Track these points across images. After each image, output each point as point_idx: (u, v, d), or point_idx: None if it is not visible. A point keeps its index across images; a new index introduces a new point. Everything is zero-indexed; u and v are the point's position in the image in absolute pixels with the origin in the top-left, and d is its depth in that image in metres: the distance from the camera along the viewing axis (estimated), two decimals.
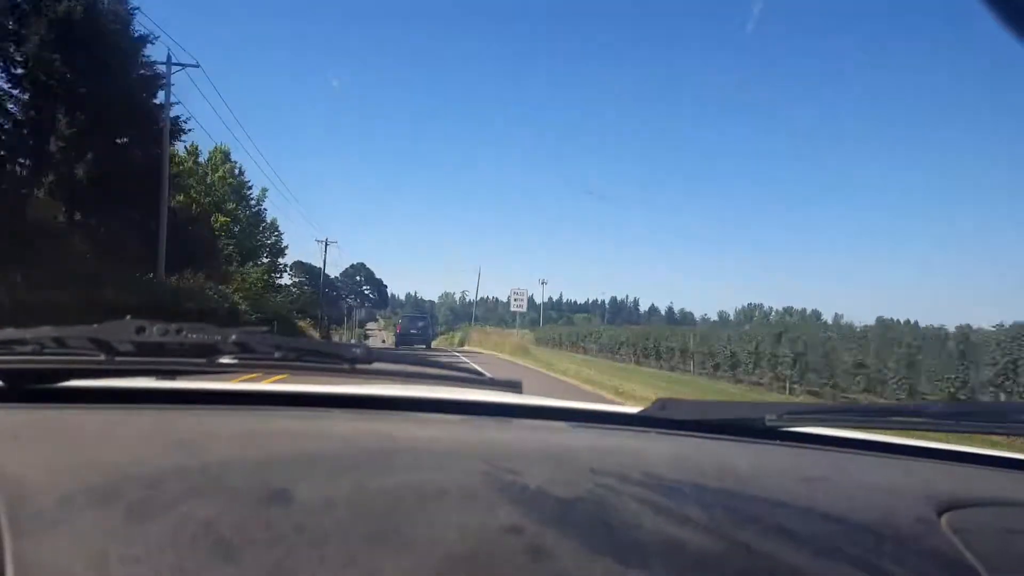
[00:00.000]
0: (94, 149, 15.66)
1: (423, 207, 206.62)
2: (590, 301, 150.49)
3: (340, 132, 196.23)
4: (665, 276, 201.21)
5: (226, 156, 36.61)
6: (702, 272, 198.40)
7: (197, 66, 19.75)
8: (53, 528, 0.50)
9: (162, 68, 19.26)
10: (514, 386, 0.97)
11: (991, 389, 11.11)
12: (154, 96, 19.52)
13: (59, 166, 15.43)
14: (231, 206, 35.61)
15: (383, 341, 63.44)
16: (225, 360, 0.81)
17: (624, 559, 0.52)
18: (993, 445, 1.12)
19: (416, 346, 32.03)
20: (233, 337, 0.80)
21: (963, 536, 0.63)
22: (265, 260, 39.98)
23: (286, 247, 41.69)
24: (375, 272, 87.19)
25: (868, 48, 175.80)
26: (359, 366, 0.84)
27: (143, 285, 12.65)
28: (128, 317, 0.80)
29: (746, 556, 0.55)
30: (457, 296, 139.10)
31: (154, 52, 19.32)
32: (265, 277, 36.77)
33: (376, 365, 0.86)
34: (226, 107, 66.41)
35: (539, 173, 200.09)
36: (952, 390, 11.70)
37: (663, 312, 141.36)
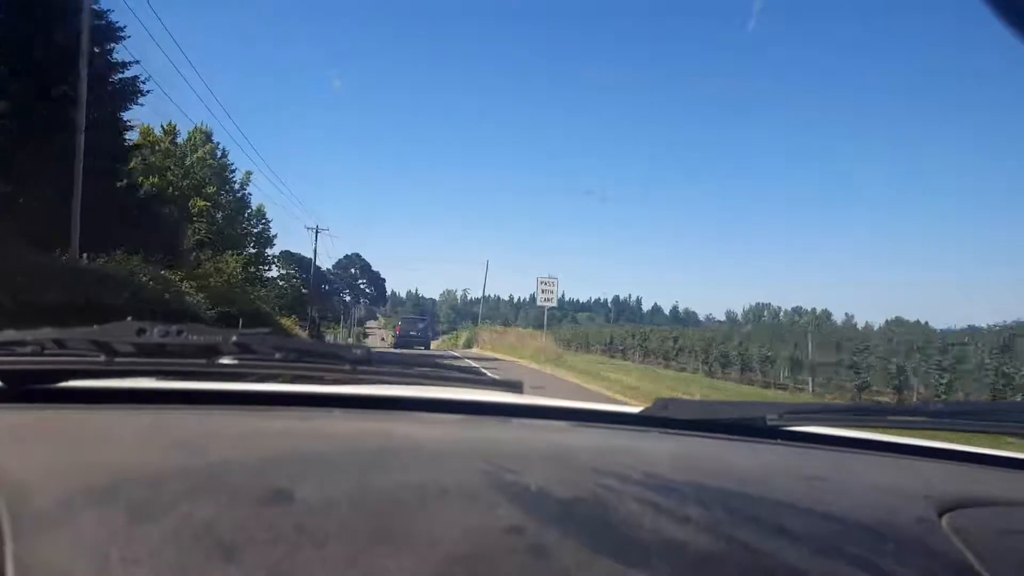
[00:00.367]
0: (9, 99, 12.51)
1: (423, 203, 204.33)
2: (592, 300, 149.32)
3: (339, 126, 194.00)
4: (668, 275, 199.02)
5: (207, 136, 33.53)
6: (707, 271, 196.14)
7: None
8: (54, 528, 0.50)
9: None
10: (515, 386, 0.99)
11: None
12: (107, 50, 16.39)
13: None
14: (211, 190, 32.48)
15: (382, 340, 60.74)
16: (225, 361, 0.81)
17: (625, 558, 0.52)
18: (993, 445, 1.07)
19: (415, 348, 30.96)
20: (234, 338, 0.80)
21: (963, 536, 0.63)
22: (252, 250, 36.90)
23: (274, 236, 38.57)
24: (372, 264, 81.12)
25: (871, 46, 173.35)
26: (359, 367, 0.85)
27: (43, 266, 9.65)
28: (129, 319, 0.82)
29: (747, 555, 0.56)
30: (459, 294, 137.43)
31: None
32: (249, 268, 33.64)
33: (376, 366, 0.87)
34: (203, 83, 62.55)
35: (541, 171, 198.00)
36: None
37: (667, 312, 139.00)
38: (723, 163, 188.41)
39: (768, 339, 19.86)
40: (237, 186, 35.12)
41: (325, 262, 64.05)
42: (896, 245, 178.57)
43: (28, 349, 0.79)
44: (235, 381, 0.99)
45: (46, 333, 0.79)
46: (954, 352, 12.89)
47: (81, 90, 12.37)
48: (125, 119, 17.85)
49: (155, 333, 0.78)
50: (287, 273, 47.95)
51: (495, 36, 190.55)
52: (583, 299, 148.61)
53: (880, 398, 13.97)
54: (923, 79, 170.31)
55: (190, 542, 0.49)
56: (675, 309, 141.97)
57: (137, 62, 17.19)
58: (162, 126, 32.80)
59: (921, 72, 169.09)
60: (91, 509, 0.52)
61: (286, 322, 30.60)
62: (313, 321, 41.09)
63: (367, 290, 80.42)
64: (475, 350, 34.58)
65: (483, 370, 1.40)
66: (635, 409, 1.03)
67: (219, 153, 34.01)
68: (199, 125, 33.44)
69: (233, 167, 34.72)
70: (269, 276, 40.69)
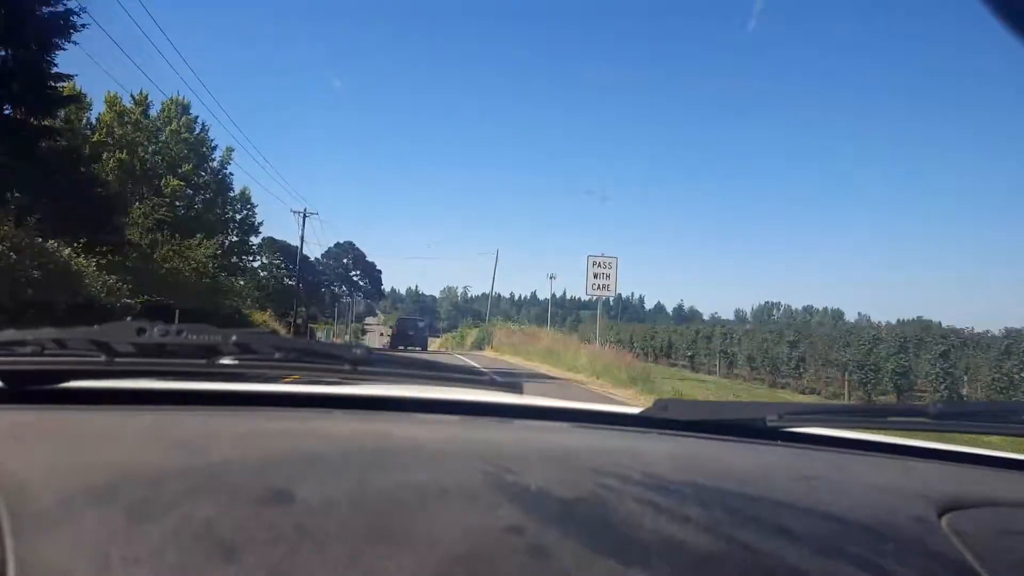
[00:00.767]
0: None
1: (422, 202, 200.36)
2: (594, 298, 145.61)
3: (338, 125, 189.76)
4: (670, 274, 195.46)
5: (184, 108, 29.66)
6: (711, 269, 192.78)
7: None
8: (54, 528, 0.50)
9: None
10: (515, 387, 0.99)
11: None
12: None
13: None
14: (187, 167, 28.59)
15: (381, 335, 57.07)
16: (225, 361, 0.81)
17: (625, 559, 0.53)
18: (993, 445, 1.09)
19: (411, 349, 28.91)
20: (234, 338, 0.81)
21: (963, 537, 0.63)
22: (234, 238, 33.03)
23: (260, 224, 34.71)
24: (366, 254, 69.48)
25: (875, 43, 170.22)
26: (360, 367, 0.85)
27: None
28: (128, 319, 0.81)
29: (747, 556, 0.56)
30: (459, 290, 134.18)
31: None
32: (231, 258, 29.79)
33: (377, 366, 0.87)
34: (175, 51, 58.08)
35: (542, 168, 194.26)
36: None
37: (669, 311, 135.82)
38: (727, 161, 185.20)
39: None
40: (217, 164, 31.23)
41: (315, 251, 58.24)
42: (903, 244, 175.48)
43: (28, 349, 0.78)
44: (235, 381, 1.00)
45: (46, 333, 0.79)
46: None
47: None
48: (54, 64, 13.87)
49: (155, 333, 0.78)
50: (270, 263, 43.02)
51: (495, 36, 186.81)
52: (584, 298, 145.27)
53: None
54: (923, 78, 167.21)
55: (190, 542, 0.49)
56: (680, 307, 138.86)
57: None
58: (132, 95, 28.90)
59: (921, 71, 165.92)
60: (91, 509, 0.52)
61: (259, 317, 25.88)
62: (298, 316, 36.79)
63: (361, 283, 69.43)
64: (489, 353, 29.16)
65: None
66: (635, 410, 1.03)
67: (197, 128, 30.16)
68: (175, 96, 29.58)
69: (213, 143, 30.85)
70: (251, 266, 36.55)
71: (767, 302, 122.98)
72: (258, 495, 0.56)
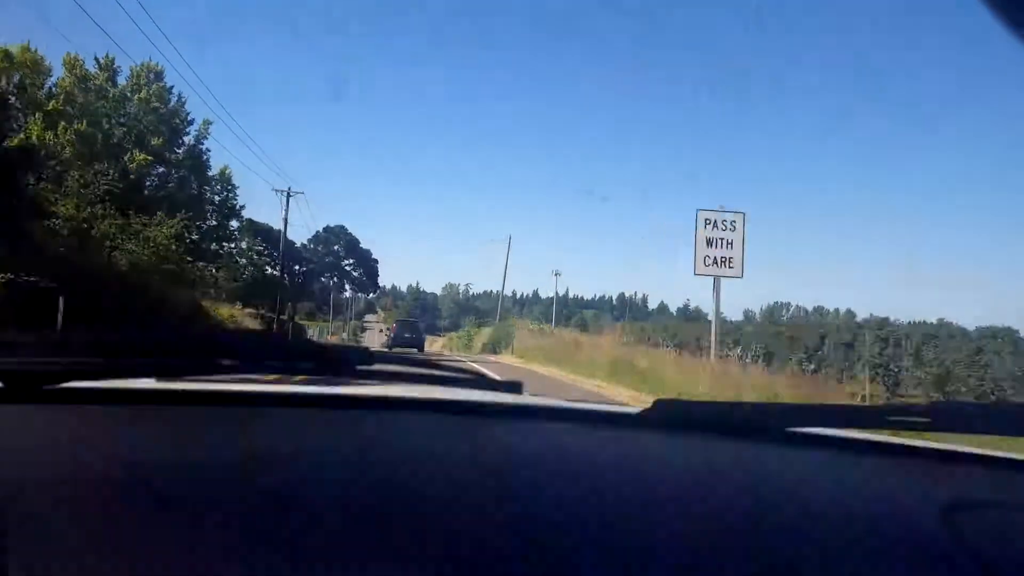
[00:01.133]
0: None
1: (422, 199, 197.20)
2: (596, 297, 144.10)
3: (336, 123, 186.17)
4: (672, 272, 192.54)
5: (157, 75, 26.43)
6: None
7: None
8: (54, 528, 0.50)
9: None
10: (515, 387, 1.01)
11: None
12: None
13: None
14: (157, 141, 25.33)
15: (381, 331, 54.13)
16: (225, 361, 0.82)
17: (624, 559, 0.53)
18: (995, 446, 1.09)
19: (407, 350, 26.28)
20: (234, 338, 0.83)
21: (966, 537, 0.64)
22: (212, 222, 29.80)
23: (241, 207, 31.46)
24: (360, 240, 58.39)
25: (878, 40, 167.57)
26: (360, 368, 0.86)
27: None
28: None
29: (746, 556, 0.56)
30: (461, 288, 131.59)
31: None
32: (204, 242, 26.52)
33: (377, 367, 0.89)
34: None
35: (542, 167, 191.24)
36: None
37: (673, 310, 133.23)
38: (729, 158, 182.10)
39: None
40: (192, 139, 27.94)
41: (303, 237, 51.06)
42: (917, 242, 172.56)
43: (28, 349, 0.79)
44: (235, 381, 1.00)
45: (46, 333, 0.73)
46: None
47: None
48: None
49: (155, 333, 0.77)
50: (248, 248, 37.78)
51: (494, 35, 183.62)
52: (587, 296, 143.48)
53: None
54: (942, 70, 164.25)
55: (190, 541, 0.49)
56: (686, 307, 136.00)
57: None
58: (97, 59, 25.72)
59: (920, 72, 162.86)
60: (91, 509, 0.52)
61: (225, 312, 21.64)
62: (283, 311, 32.75)
63: (354, 273, 58.15)
64: (511, 359, 23.24)
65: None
66: (634, 410, 1.03)
67: (173, 99, 26.96)
68: (147, 61, 26.36)
69: (189, 116, 27.61)
70: (229, 253, 32.83)
71: (776, 302, 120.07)
72: (258, 496, 0.57)
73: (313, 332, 50.01)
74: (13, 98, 18.55)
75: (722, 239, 12.74)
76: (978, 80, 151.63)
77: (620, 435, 0.93)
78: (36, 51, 21.94)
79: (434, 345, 55.20)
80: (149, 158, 24.53)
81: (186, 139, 27.72)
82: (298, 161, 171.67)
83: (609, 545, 0.54)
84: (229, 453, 0.68)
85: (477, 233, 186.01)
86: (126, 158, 24.07)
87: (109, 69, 25.69)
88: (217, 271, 21.84)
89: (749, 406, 1.05)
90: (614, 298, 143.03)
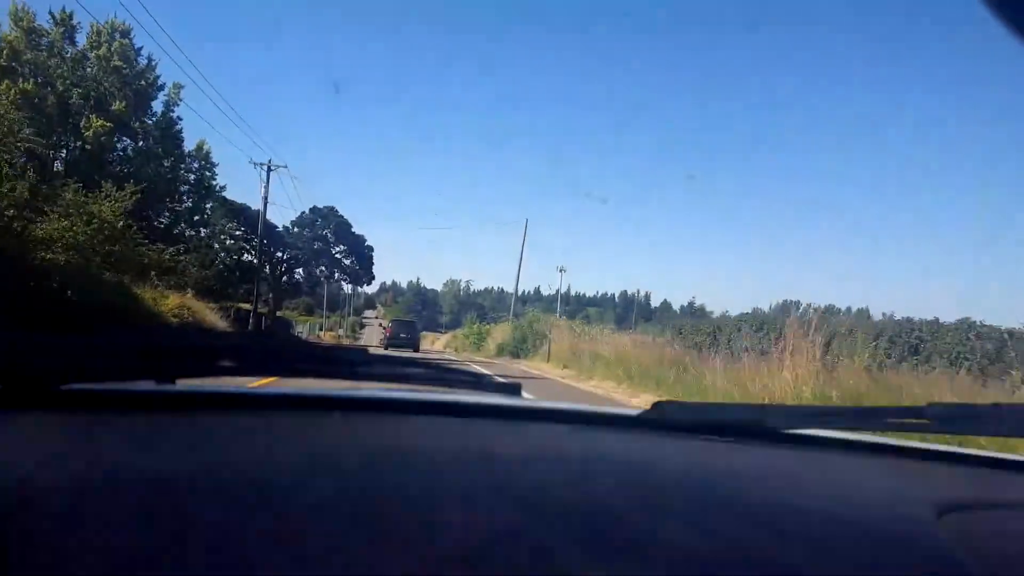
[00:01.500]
0: None
1: (423, 194, 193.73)
2: (599, 295, 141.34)
3: (336, 122, 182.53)
4: (675, 271, 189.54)
5: (123, 33, 23.08)
6: (720, 266, 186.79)
7: None
8: (54, 530, 0.50)
9: None
10: (514, 389, 1.02)
11: None
12: None
13: None
14: (119, 106, 21.96)
15: (380, 325, 51.06)
16: (225, 363, 0.82)
17: (623, 561, 0.53)
18: (993, 447, 1.06)
19: (403, 350, 25.38)
20: (234, 340, 0.85)
21: (962, 538, 0.64)
22: (188, 203, 26.47)
23: (222, 188, 28.09)
24: (352, 223, 50.08)
25: (880, 39, 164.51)
26: (359, 369, 0.86)
27: None
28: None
29: (745, 557, 0.57)
30: (462, 284, 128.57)
31: None
32: (176, 226, 23.17)
33: (377, 368, 0.89)
34: None
35: (543, 166, 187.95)
36: None
37: (677, 308, 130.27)
38: (736, 157, 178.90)
39: None
40: (162, 106, 24.54)
41: (286, 217, 45.92)
42: (928, 240, 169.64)
43: (28, 352, 0.79)
44: (235, 383, 1.01)
45: (46, 335, 0.80)
46: None
47: None
48: None
49: (155, 335, 0.78)
50: (220, 230, 32.66)
51: (495, 36, 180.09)
52: (590, 293, 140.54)
53: None
54: (947, 70, 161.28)
55: (191, 544, 0.50)
56: (690, 305, 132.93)
57: None
58: (52, 12, 22.38)
59: (920, 71, 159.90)
60: (91, 510, 0.53)
61: (170, 302, 16.68)
62: (260, 302, 28.86)
63: (345, 262, 49.49)
64: (552, 369, 17.33)
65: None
66: (633, 411, 1.03)
67: (141, 61, 23.62)
68: (112, 19, 23.02)
69: (160, 81, 24.25)
70: (205, 236, 29.23)
71: (785, 300, 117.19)
72: (258, 497, 0.57)
73: (302, 329, 46.16)
74: None
75: None
76: (980, 75, 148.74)
77: (620, 437, 0.93)
78: None
79: (435, 344, 51.66)
80: (108, 124, 21.22)
81: (156, 106, 24.40)
82: (292, 149, 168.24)
83: (609, 547, 0.54)
84: (228, 455, 0.67)
85: (476, 232, 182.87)
86: (82, 124, 20.76)
87: (66, 24, 22.39)
88: (179, 255, 18.31)
89: (748, 408, 1.04)
90: (617, 296, 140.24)
